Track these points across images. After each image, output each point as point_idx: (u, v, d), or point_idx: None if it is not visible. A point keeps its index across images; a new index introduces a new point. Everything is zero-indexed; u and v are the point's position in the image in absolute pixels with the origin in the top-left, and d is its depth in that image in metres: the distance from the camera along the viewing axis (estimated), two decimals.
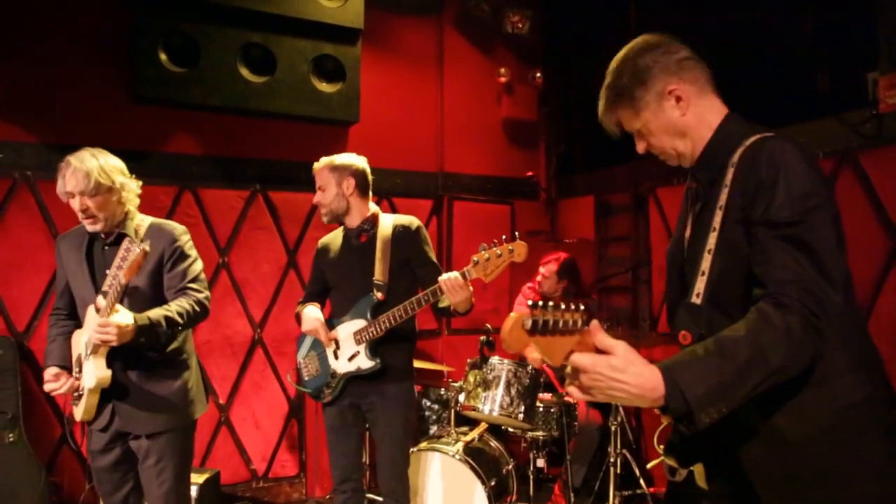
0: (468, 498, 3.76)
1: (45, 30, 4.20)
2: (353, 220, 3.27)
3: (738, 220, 1.60)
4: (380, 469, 3.27)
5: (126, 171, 2.90)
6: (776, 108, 3.79)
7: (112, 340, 2.61)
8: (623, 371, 1.38)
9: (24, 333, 4.20)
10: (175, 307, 2.78)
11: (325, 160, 3.26)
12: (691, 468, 1.71)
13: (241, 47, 4.48)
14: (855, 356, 1.60)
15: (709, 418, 1.40)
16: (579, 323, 1.38)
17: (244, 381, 4.82)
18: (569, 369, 1.44)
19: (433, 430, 4.36)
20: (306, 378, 3.36)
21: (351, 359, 3.18)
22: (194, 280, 2.91)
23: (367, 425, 3.37)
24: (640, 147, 1.83)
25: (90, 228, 2.83)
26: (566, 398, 4.27)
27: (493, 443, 4.13)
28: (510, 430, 4.21)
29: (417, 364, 4.03)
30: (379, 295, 3.14)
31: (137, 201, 2.93)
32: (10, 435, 3.91)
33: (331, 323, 3.26)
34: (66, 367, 2.90)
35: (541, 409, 4.16)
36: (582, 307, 1.39)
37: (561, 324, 1.36)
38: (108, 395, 2.81)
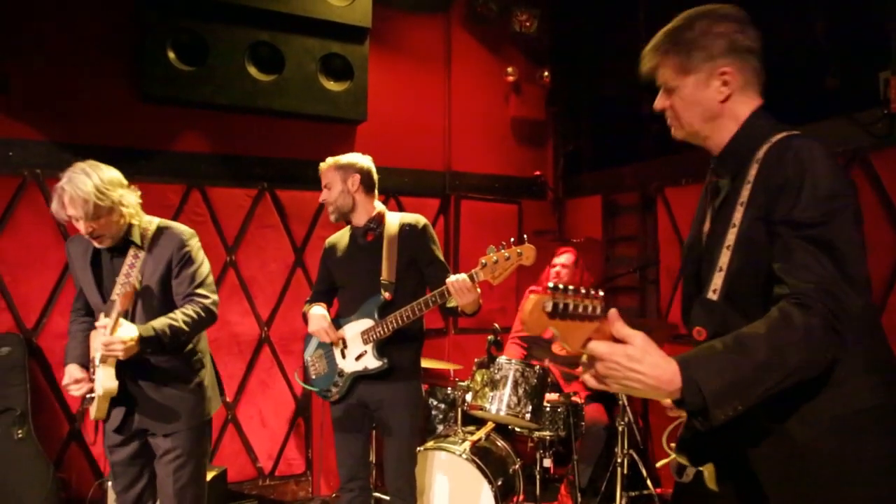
0: (475, 497, 3.75)
1: (53, 28, 4.21)
2: (360, 219, 3.27)
3: (759, 218, 1.58)
4: (386, 468, 3.27)
5: (123, 181, 2.84)
6: (787, 107, 3.75)
7: (119, 356, 2.65)
8: (640, 361, 1.37)
9: (33, 330, 4.21)
10: (181, 315, 2.79)
11: (330, 160, 3.27)
12: (700, 468, 1.70)
13: (249, 46, 4.48)
14: (870, 360, 1.58)
15: (724, 415, 1.39)
16: (598, 310, 1.38)
17: (251, 380, 4.82)
18: (585, 358, 1.43)
19: (440, 429, 4.35)
20: (313, 377, 3.36)
21: (358, 358, 3.18)
22: (201, 285, 2.91)
23: (374, 424, 3.37)
24: (661, 103, 1.78)
25: (98, 246, 2.84)
26: (573, 398, 4.26)
27: (500, 442, 4.12)
28: (517, 429, 4.20)
29: (424, 363, 4.03)
30: (386, 295, 3.14)
31: (139, 209, 2.90)
32: (19, 431, 3.92)
33: (338, 322, 3.25)
34: (85, 364, 2.92)
35: (548, 409, 4.15)
36: (602, 294, 1.39)
37: (580, 309, 1.36)
38: (124, 397, 2.83)
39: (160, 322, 2.75)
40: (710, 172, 1.82)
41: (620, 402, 4.04)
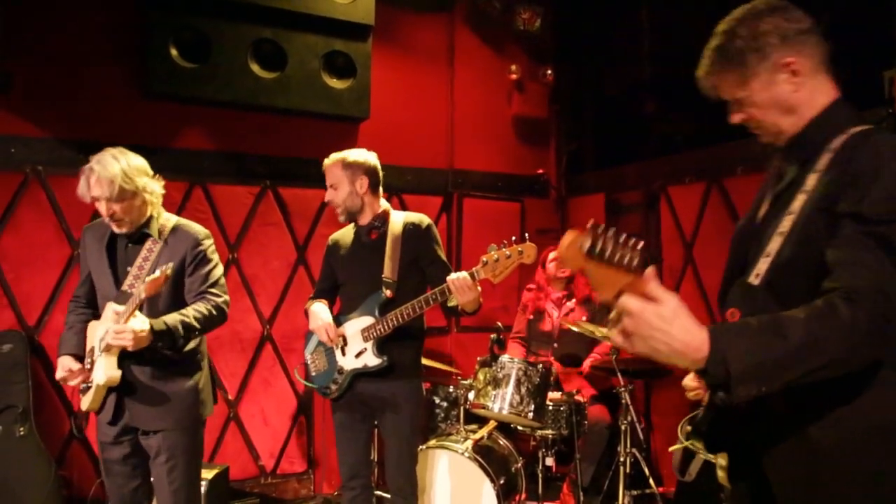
0: (477, 496, 3.75)
1: (56, 25, 4.21)
2: (365, 218, 3.26)
3: (822, 208, 1.50)
4: (388, 466, 3.26)
5: (149, 171, 2.91)
6: None
7: (128, 346, 2.67)
8: (670, 322, 1.31)
9: (35, 328, 4.21)
10: (192, 312, 2.81)
11: (335, 156, 3.24)
12: (714, 460, 1.66)
13: (252, 43, 4.47)
14: None
15: (746, 393, 1.33)
16: (635, 262, 1.32)
17: (253, 378, 4.82)
18: (613, 314, 1.37)
19: (442, 427, 4.35)
20: (313, 373, 3.36)
21: (358, 355, 3.17)
22: (214, 285, 2.93)
23: (375, 422, 3.36)
24: (736, 118, 1.71)
25: (116, 230, 2.87)
26: (576, 397, 4.25)
27: (503, 441, 4.12)
28: (519, 428, 4.20)
29: (427, 362, 4.03)
30: (388, 292, 3.14)
31: (161, 200, 2.95)
32: (21, 429, 3.92)
33: (339, 320, 3.25)
34: (81, 355, 2.93)
35: (550, 408, 4.14)
36: (641, 244, 1.34)
37: (617, 256, 1.32)
38: (117, 389, 2.84)
39: (172, 318, 2.76)
40: (776, 158, 1.74)
41: (623, 402, 4.04)
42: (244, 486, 4.72)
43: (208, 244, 2.97)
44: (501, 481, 3.77)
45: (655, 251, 5.12)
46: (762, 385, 1.34)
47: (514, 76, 5.56)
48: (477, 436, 3.96)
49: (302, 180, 4.80)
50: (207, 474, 3.86)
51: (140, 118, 4.41)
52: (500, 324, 4.05)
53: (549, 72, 5.65)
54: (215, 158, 4.68)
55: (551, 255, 4.84)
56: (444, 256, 3.28)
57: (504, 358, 3.91)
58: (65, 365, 2.90)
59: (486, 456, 3.83)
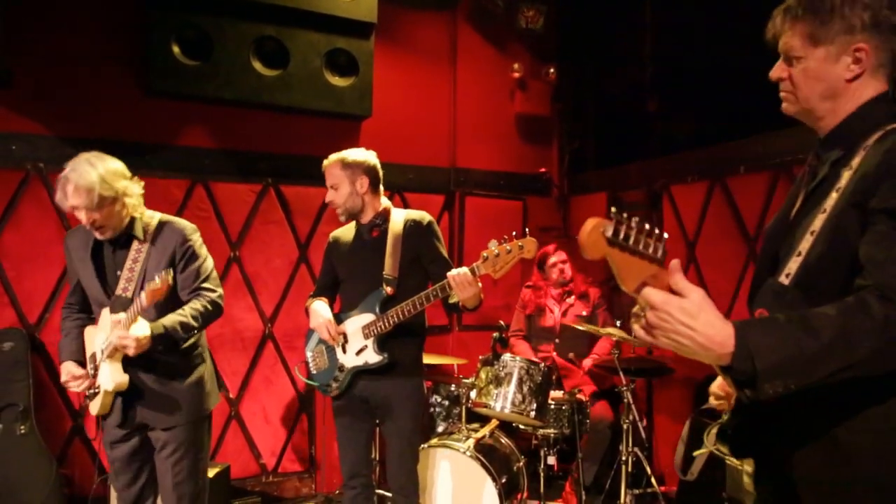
0: (478, 494, 3.74)
1: (58, 22, 4.20)
2: (366, 216, 3.26)
3: (855, 204, 1.45)
4: (389, 465, 3.26)
5: (127, 173, 2.84)
6: None
7: (129, 352, 2.67)
8: (694, 317, 1.27)
9: (36, 325, 4.21)
10: (189, 311, 2.80)
11: (334, 157, 3.23)
12: (740, 465, 1.63)
13: (255, 41, 4.46)
14: None
15: (773, 390, 1.29)
16: (659, 252, 1.30)
17: (254, 376, 4.81)
18: (636, 308, 1.34)
19: (443, 426, 4.34)
20: (314, 371, 3.36)
21: (359, 353, 3.17)
22: (207, 279, 2.93)
23: (376, 421, 3.36)
24: (777, 72, 1.63)
25: (100, 237, 2.84)
26: (578, 395, 4.25)
27: (504, 440, 4.11)
28: (521, 427, 4.19)
29: (428, 360, 4.02)
30: (388, 290, 3.13)
31: (141, 201, 2.90)
32: (22, 427, 3.91)
33: (339, 317, 3.25)
34: (81, 361, 2.92)
35: (552, 407, 4.14)
36: (666, 236, 1.31)
37: (642, 244, 1.28)
38: (127, 392, 2.84)
39: (170, 319, 2.76)
40: (811, 156, 1.67)
41: (625, 400, 4.03)
42: (245, 484, 4.71)
43: (196, 238, 2.94)
44: (503, 480, 3.77)
45: None
46: (790, 382, 1.30)
47: (516, 74, 5.55)
48: (479, 434, 3.95)
49: (304, 178, 4.79)
50: (208, 473, 3.85)
51: (142, 116, 4.40)
52: (501, 322, 4.04)
53: (552, 70, 5.64)
54: (217, 156, 4.67)
55: (552, 260, 4.83)
56: (445, 253, 3.28)
57: (506, 356, 3.90)
58: (68, 370, 2.90)
59: (487, 455, 3.83)
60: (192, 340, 2.93)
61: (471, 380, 4.06)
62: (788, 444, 1.53)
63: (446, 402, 4.40)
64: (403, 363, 3.18)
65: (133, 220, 2.87)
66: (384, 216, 3.25)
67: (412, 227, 3.22)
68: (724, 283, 4.39)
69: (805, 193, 1.63)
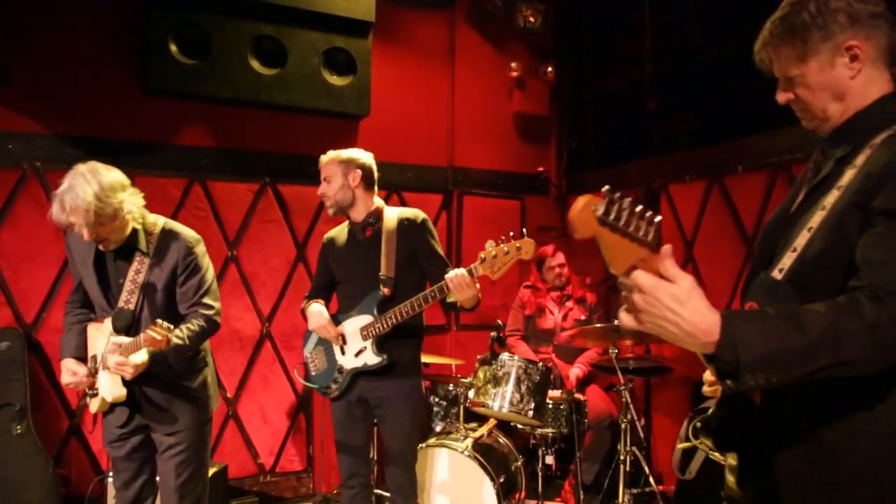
0: (477, 494, 3.73)
1: (56, 20, 4.19)
2: (359, 214, 3.25)
3: (856, 204, 1.43)
4: (387, 465, 3.25)
5: (126, 183, 2.78)
6: None
7: (126, 377, 2.70)
8: (682, 303, 1.26)
9: (33, 325, 4.19)
10: (186, 332, 2.80)
11: (331, 153, 3.25)
12: (724, 461, 1.62)
13: (253, 39, 4.46)
14: None
15: (754, 382, 1.29)
16: (651, 235, 1.26)
17: (252, 375, 4.81)
18: (625, 293, 1.32)
19: (441, 426, 4.34)
20: (313, 373, 3.35)
21: (358, 354, 3.16)
22: (206, 293, 2.92)
23: (374, 420, 3.35)
24: (783, 97, 1.63)
25: (103, 249, 2.83)
26: (576, 395, 4.25)
27: (502, 439, 4.11)
28: (519, 426, 4.19)
29: (427, 359, 4.01)
30: (385, 290, 3.12)
31: (143, 211, 2.87)
32: (18, 427, 3.90)
33: (337, 318, 3.24)
34: (83, 357, 2.92)
35: (550, 406, 4.14)
36: (658, 219, 1.27)
37: (633, 226, 1.25)
38: (128, 398, 2.84)
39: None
40: (817, 152, 1.66)
41: (623, 400, 4.03)
42: (243, 484, 4.71)
43: (199, 250, 2.93)
44: (501, 480, 3.76)
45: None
46: (772, 376, 1.29)
47: (514, 73, 5.55)
48: (477, 434, 3.95)
49: (302, 177, 4.78)
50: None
51: (139, 114, 4.39)
52: (499, 321, 4.03)
53: (550, 69, 5.64)
54: (215, 155, 4.66)
55: (550, 262, 4.84)
56: (441, 250, 3.27)
57: (504, 356, 3.90)
58: (69, 368, 2.89)
59: (485, 454, 3.82)
60: None
61: (469, 379, 4.06)
62: (773, 441, 1.53)
63: (444, 402, 4.39)
64: (402, 363, 3.17)
65: (136, 231, 2.84)
66: (377, 215, 3.24)
67: (406, 226, 3.22)
68: (722, 281, 4.40)
69: (807, 189, 1.62)
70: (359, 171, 3.18)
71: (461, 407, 4.11)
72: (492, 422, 4.14)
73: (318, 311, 3.24)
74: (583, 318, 4.75)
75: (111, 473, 3.01)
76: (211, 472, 3.88)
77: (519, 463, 4.04)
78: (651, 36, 5.21)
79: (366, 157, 3.25)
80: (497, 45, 5.62)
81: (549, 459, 4.17)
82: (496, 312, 5.03)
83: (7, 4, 4.01)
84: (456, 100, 5.49)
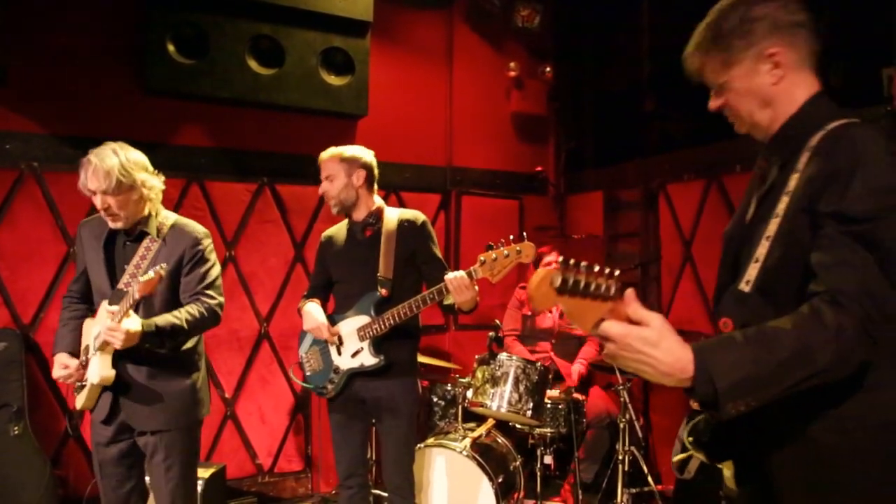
0: (475, 494, 3.73)
1: (53, 20, 4.18)
2: (360, 214, 3.24)
3: (804, 209, 1.47)
4: (385, 465, 3.25)
5: (149, 167, 2.87)
6: None
7: (118, 345, 2.65)
8: (655, 346, 1.30)
9: (30, 326, 4.18)
10: (184, 314, 2.78)
11: (333, 150, 3.23)
12: (720, 466, 1.64)
13: (250, 39, 4.45)
14: None
15: (735, 409, 1.33)
16: (612, 290, 1.29)
17: (250, 376, 4.80)
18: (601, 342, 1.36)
19: (439, 426, 4.33)
20: (308, 373, 3.34)
21: (354, 355, 3.15)
22: (210, 286, 2.90)
23: (372, 420, 3.35)
24: (715, 104, 1.69)
25: (112, 226, 2.83)
26: (574, 395, 4.25)
27: (501, 439, 4.11)
28: (518, 426, 4.19)
29: (425, 360, 4.01)
30: (383, 291, 3.12)
31: (160, 197, 2.91)
32: (16, 428, 3.90)
33: (333, 319, 3.23)
34: (76, 353, 2.91)
35: (549, 406, 4.14)
36: (617, 273, 1.31)
37: (593, 287, 1.28)
38: (113, 388, 2.82)
39: (163, 319, 2.74)
40: (759, 158, 1.72)
41: (622, 400, 4.03)
42: (241, 484, 4.70)
43: (207, 244, 2.93)
44: (500, 479, 3.76)
45: (654, 249, 5.11)
46: (751, 400, 1.33)
47: (513, 73, 5.55)
48: (475, 434, 3.95)
49: (300, 177, 4.78)
50: (204, 473, 3.85)
51: (137, 114, 4.38)
52: (498, 321, 4.04)
53: (548, 69, 5.64)
54: (213, 155, 4.66)
55: (547, 260, 4.84)
56: (439, 254, 3.27)
57: (502, 356, 3.90)
58: (61, 362, 2.88)
59: (484, 454, 3.82)
60: (190, 345, 2.91)
61: (467, 379, 4.06)
62: (765, 446, 1.55)
63: (443, 402, 4.39)
64: (399, 364, 3.17)
65: (149, 216, 2.88)
66: (377, 215, 3.23)
67: (406, 227, 3.21)
68: None
69: (757, 198, 1.67)
70: (363, 172, 3.18)
71: (459, 407, 4.11)
72: (490, 422, 4.14)
73: (312, 312, 3.23)
74: None
75: (97, 477, 2.96)
76: (209, 472, 3.89)
77: (517, 463, 4.04)
78: (649, 35, 5.21)
79: (368, 155, 3.24)
80: (495, 44, 5.61)
81: (548, 459, 4.17)
82: (495, 312, 5.04)
83: (5, 4, 4.00)
84: (454, 100, 5.48)
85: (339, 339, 3.19)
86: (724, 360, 1.33)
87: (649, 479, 4.20)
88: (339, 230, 3.38)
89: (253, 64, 4.48)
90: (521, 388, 3.81)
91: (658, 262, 5.06)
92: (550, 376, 4.11)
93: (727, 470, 1.64)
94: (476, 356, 4.00)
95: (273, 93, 4.54)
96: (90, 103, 4.27)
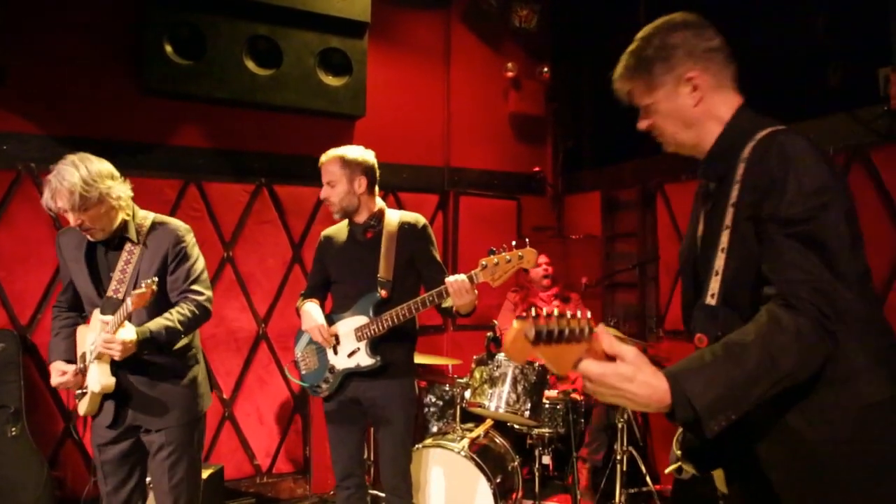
0: (473, 494, 3.73)
1: (51, 20, 4.18)
2: (361, 216, 3.23)
3: (748, 217, 1.55)
4: (382, 466, 3.25)
5: (115, 174, 2.78)
6: (787, 103, 3.75)
7: (115, 356, 2.65)
8: (630, 380, 1.35)
9: (28, 327, 4.18)
10: (176, 315, 2.78)
11: (333, 153, 3.18)
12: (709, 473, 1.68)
13: (248, 40, 4.46)
14: (875, 353, 1.54)
15: (717, 426, 1.38)
16: (586, 330, 1.33)
17: (248, 376, 4.80)
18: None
19: (437, 426, 4.33)
20: (304, 372, 3.33)
21: (351, 355, 3.15)
22: (196, 281, 2.89)
23: (369, 421, 3.35)
24: (643, 124, 1.79)
25: (92, 240, 2.81)
26: (572, 395, 4.25)
27: (499, 439, 4.10)
28: (516, 426, 4.19)
29: (422, 360, 4.01)
30: (383, 293, 3.11)
31: (131, 203, 2.86)
32: (13, 429, 3.89)
33: (331, 318, 3.22)
34: (72, 360, 2.90)
35: (547, 406, 4.14)
36: (589, 315, 1.35)
37: (567, 332, 1.31)
38: (118, 393, 2.81)
39: (156, 323, 2.74)
40: (700, 174, 1.80)
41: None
42: (239, 485, 4.70)
43: (189, 239, 2.92)
44: (498, 480, 3.76)
45: (652, 249, 5.12)
46: (730, 413, 1.38)
47: (510, 74, 5.55)
48: (473, 434, 3.94)
49: (298, 178, 4.78)
50: (202, 474, 3.84)
51: (134, 115, 4.39)
52: (496, 322, 4.03)
53: (546, 69, 5.65)
54: (210, 156, 4.65)
55: (538, 261, 4.86)
56: (438, 257, 3.26)
57: (500, 356, 3.89)
58: (58, 369, 2.87)
59: (482, 455, 3.82)
60: (185, 341, 2.90)
61: (465, 380, 4.06)
62: (754, 448, 1.60)
63: (441, 403, 4.39)
64: (395, 364, 3.16)
65: (125, 222, 2.84)
66: (378, 217, 3.23)
67: (407, 230, 3.21)
68: None
69: (705, 214, 1.74)
70: (364, 179, 3.15)
71: (457, 407, 4.11)
72: (488, 422, 4.13)
73: (311, 312, 3.23)
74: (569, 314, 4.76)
75: (97, 477, 2.96)
76: (207, 473, 3.89)
77: (515, 463, 4.04)
78: None
79: (369, 157, 3.21)
80: (493, 45, 5.62)
81: (546, 459, 4.17)
82: (492, 312, 5.04)
83: (2, 4, 4.00)
84: (452, 100, 5.49)
85: (336, 338, 3.18)
86: (699, 382, 1.38)
87: (647, 479, 4.20)
88: (339, 230, 3.37)
89: (250, 64, 4.48)
90: (519, 388, 3.81)
91: (656, 262, 5.07)
92: (548, 377, 4.11)
93: (717, 472, 1.66)
94: (474, 357, 4.00)
95: (270, 93, 4.54)
96: (88, 104, 4.27)
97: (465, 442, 3.83)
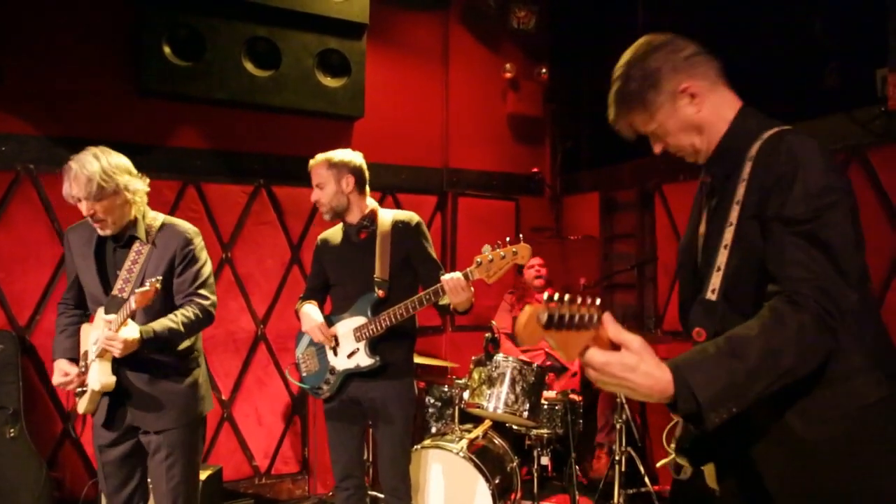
0: (472, 495, 3.73)
1: (49, 21, 4.18)
2: (353, 217, 3.24)
3: (753, 216, 1.57)
4: (381, 466, 3.25)
5: (132, 170, 2.83)
6: (785, 104, 3.75)
7: (116, 354, 2.66)
8: (633, 370, 1.36)
9: (26, 328, 4.18)
10: (180, 317, 2.79)
11: (321, 157, 3.21)
12: (700, 468, 1.69)
13: (247, 41, 4.46)
14: (871, 354, 1.56)
15: (718, 418, 1.39)
16: (595, 318, 1.35)
17: (247, 377, 4.80)
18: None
19: (436, 427, 4.33)
20: (304, 374, 3.34)
21: (350, 356, 3.16)
22: (203, 285, 2.90)
23: (368, 422, 3.35)
24: (658, 148, 1.79)
25: (101, 232, 2.82)
26: (571, 396, 4.25)
27: (498, 440, 4.11)
28: (515, 427, 4.19)
29: (421, 361, 4.01)
30: (380, 292, 3.12)
31: (146, 200, 2.88)
32: (12, 430, 3.89)
33: (330, 320, 3.23)
34: (76, 358, 2.90)
35: (545, 407, 4.14)
36: (598, 301, 1.36)
37: (577, 318, 1.33)
38: (117, 393, 2.82)
39: (160, 324, 2.75)
40: (703, 172, 1.82)
41: (618, 400, 4.03)
42: (238, 486, 4.70)
43: (198, 242, 2.93)
44: (496, 481, 3.76)
45: (651, 249, 5.12)
46: (732, 406, 1.39)
47: (508, 75, 5.56)
48: (472, 435, 3.95)
49: (296, 179, 4.74)
50: (201, 475, 3.84)
51: (133, 116, 4.39)
52: (494, 322, 4.03)
53: (544, 70, 5.65)
54: (209, 157, 4.66)
55: (531, 262, 4.88)
56: (434, 254, 3.27)
57: (499, 357, 3.90)
58: (61, 368, 2.88)
59: (481, 455, 3.82)
60: (187, 343, 2.91)
61: (464, 380, 4.06)
62: (748, 445, 1.62)
63: (439, 403, 4.39)
64: (394, 365, 3.17)
65: (136, 220, 2.85)
66: (371, 217, 3.23)
67: (401, 228, 3.22)
68: None
69: (708, 210, 1.76)
70: (352, 178, 3.17)
71: (456, 408, 4.11)
72: (487, 423, 4.14)
73: (310, 313, 3.24)
74: None
75: (98, 478, 2.96)
76: (206, 474, 3.89)
77: (514, 464, 4.04)
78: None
79: (357, 158, 3.23)
80: (491, 46, 5.63)
81: (545, 460, 4.18)
82: (491, 313, 5.04)
83: (0, 5, 3.99)
84: (450, 101, 5.49)
85: (336, 339, 3.19)
86: (702, 374, 1.39)
87: (646, 479, 4.21)
88: (334, 233, 3.38)
89: (249, 66, 4.48)
90: (518, 389, 3.81)
91: (654, 263, 5.07)
92: (549, 375, 4.11)
93: (707, 469, 1.67)
94: (472, 357, 4.01)
95: (269, 94, 4.54)
96: (86, 105, 4.27)
97: (464, 443, 3.83)
